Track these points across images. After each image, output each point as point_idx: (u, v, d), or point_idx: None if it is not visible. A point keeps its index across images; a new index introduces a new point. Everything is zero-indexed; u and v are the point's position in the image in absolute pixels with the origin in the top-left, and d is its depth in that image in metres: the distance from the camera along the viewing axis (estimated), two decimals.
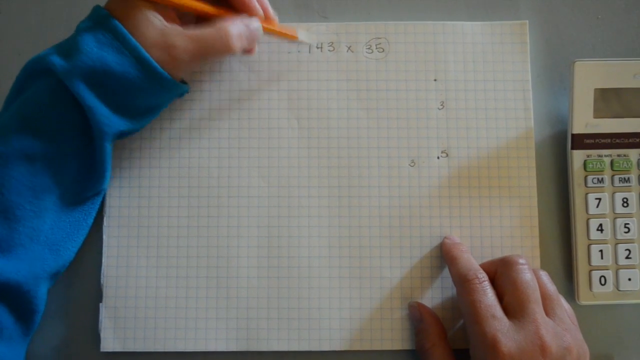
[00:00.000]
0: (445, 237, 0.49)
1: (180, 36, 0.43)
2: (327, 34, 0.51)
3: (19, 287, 0.41)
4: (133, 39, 0.42)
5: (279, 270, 0.49)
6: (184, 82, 0.48)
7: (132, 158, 0.50)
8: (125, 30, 0.42)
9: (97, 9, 0.44)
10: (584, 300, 0.48)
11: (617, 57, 0.52)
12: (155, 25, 0.43)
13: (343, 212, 0.49)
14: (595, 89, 0.48)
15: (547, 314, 0.42)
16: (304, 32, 0.50)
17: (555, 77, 0.52)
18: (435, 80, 0.51)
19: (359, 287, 0.49)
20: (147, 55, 0.42)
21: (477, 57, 0.51)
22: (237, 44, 0.45)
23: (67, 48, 0.42)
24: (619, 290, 0.48)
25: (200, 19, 0.46)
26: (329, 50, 0.51)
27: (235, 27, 0.45)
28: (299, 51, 0.51)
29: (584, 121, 0.48)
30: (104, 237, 0.49)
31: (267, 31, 0.48)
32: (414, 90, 0.51)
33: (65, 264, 0.45)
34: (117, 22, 0.42)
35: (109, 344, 0.48)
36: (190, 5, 0.44)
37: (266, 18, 0.48)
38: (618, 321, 0.49)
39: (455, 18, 0.52)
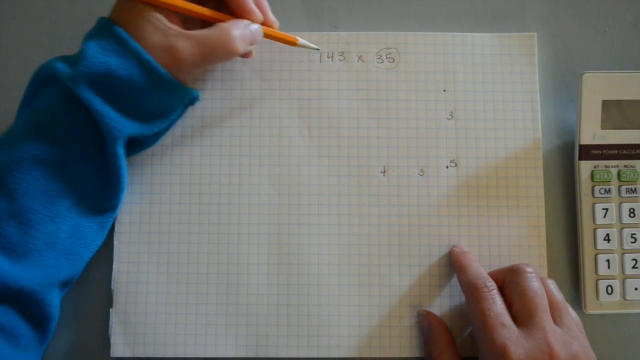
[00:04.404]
0: (453, 246, 0.49)
1: (183, 38, 0.43)
2: (338, 43, 0.52)
3: (32, 295, 0.42)
4: (134, 42, 0.42)
5: (289, 277, 0.49)
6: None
7: (143, 164, 0.51)
8: (126, 35, 0.43)
9: (100, 19, 0.44)
10: (591, 309, 0.48)
11: (624, 69, 0.52)
12: (158, 28, 0.43)
13: (352, 220, 0.50)
14: (603, 101, 0.49)
15: (555, 322, 0.42)
16: (304, 39, 0.50)
17: (562, 88, 0.52)
18: (444, 90, 0.51)
19: (368, 295, 0.49)
20: (148, 56, 0.42)
21: (486, 68, 0.52)
22: (240, 45, 0.45)
23: (72, 56, 0.43)
24: (626, 300, 0.48)
25: (203, 23, 0.47)
26: (339, 60, 0.52)
27: (238, 29, 0.45)
28: (310, 60, 0.52)
29: (591, 132, 0.49)
30: (115, 242, 0.50)
31: (268, 36, 0.48)
32: (423, 100, 0.51)
33: (78, 273, 0.46)
34: (118, 28, 0.43)
35: (119, 349, 0.48)
36: (191, 9, 0.45)
37: (266, 22, 0.48)
38: (624, 330, 0.50)
39: (465, 30, 0.53)
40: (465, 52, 0.52)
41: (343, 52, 0.52)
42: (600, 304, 0.48)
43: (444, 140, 0.51)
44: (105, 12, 0.53)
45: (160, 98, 0.45)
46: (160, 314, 0.49)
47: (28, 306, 0.42)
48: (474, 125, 0.51)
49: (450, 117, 0.51)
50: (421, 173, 0.50)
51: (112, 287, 0.49)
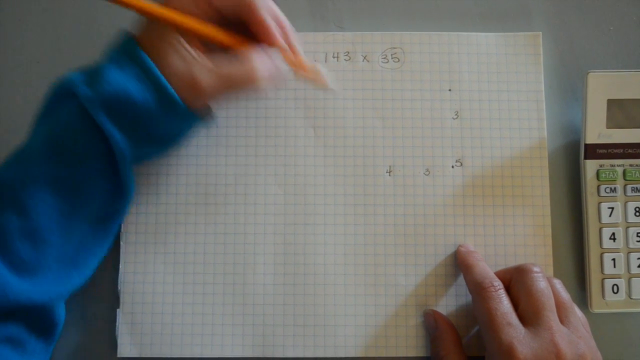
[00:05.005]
0: (459, 245, 0.49)
1: (206, 70, 0.42)
2: (343, 43, 0.52)
3: (43, 309, 0.42)
4: (156, 70, 0.41)
5: (295, 277, 0.49)
6: (210, 111, 0.47)
7: (149, 165, 0.51)
8: (149, 61, 0.41)
9: (125, 36, 0.43)
10: (597, 308, 0.48)
11: (629, 68, 0.52)
12: (180, 54, 0.42)
13: (358, 219, 0.50)
14: (608, 100, 0.49)
15: (561, 321, 0.42)
16: (333, 79, 0.48)
17: (568, 87, 0.52)
18: (449, 90, 0.51)
19: (374, 294, 0.49)
20: (167, 85, 0.41)
21: (491, 67, 0.52)
22: (264, 83, 0.43)
23: (93, 74, 0.42)
24: (631, 299, 0.48)
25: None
26: (345, 60, 0.52)
27: (262, 64, 0.43)
28: (315, 60, 0.52)
29: (596, 131, 0.49)
30: (122, 243, 0.50)
31: (293, 68, 0.46)
32: (428, 100, 0.51)
33: (87, 280, 0.46)
34: (142, 53, 0.42)
35: (125, 349, 0.48)
36: (215, 37, 0.43)
37: (292, 52, 0.45)
38: (630, 329, 0.50)
39: (470, 29, 0.53)
40: (471, 51, 0.52)
41: (348, 52, 0.52)
42: (606, 303, 0.48)
43: (449, 139, 0.51)
44: (109, 12, 0.54)
45: (174, 125, 0.44)
46: (166, 314, 0.49)
47: (38, 319, 0.43)
48: (480, 124, 0.51)
49: (456, 116, 0.51)
50: (427, 173, 0.51)
51: (119, 288, 0.49)
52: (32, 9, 0.54)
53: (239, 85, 0.43)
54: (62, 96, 0.43)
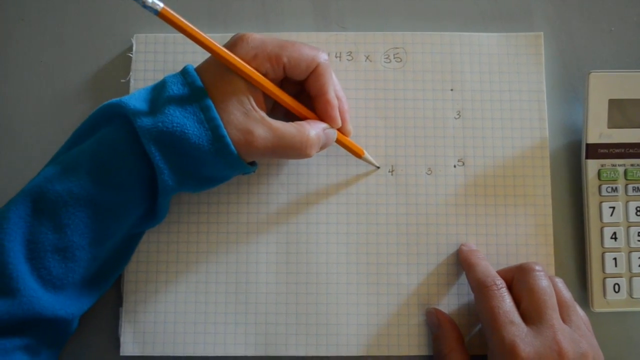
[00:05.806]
0: (461, 244, 0.49)
1: (264, 127, 0.42)
2: (345, 43, 0.52)
3: (63, 322, 0.43)
4: (218, 118, 0.41)
5: (298, 275, 0.49)
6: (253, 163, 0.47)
7: None
8: (214, 111, 0.41)
9: (192, 74, 0.43)
10: (598, 307, 0.49)
11: (630, 68, 0.53)
12: (243, 105, 0.42)
13: (361, 218, 0.50)
14: (610, 100, 0.49)
15: (563, 320, 0.42)
16: (368, 154, 0.50)
17: (569, 87, 0.53)
18: (452, 90, 0.52)
19: (376, 293, 0.49)
20: (226, 134, 0.41)
21: (493, 67, 0.52)
22: (313, 152, 0.45)
23: (153, 103, 0.42)
24: (633, 298, 0.48)
25: (278, 107, 0.47)
26: (347, 60, 0.52)
27: (316, 135, 0.44)
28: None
29: (598, 131, 0.49)
30: None
31: (338, 141, 0.48)
32: (431, 99, 0.52)
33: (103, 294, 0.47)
34: (210, 101, 0.42)
35: (128, 348, 0.49)
36: (283, 99, 0.44)
37: (342, 130, 0.48)
38: (632, 328, 0.50)
39: (472, 29, 0.53)
40: (472, 51, 0.52)
41: (351, 52, 0.52)
42: (608, 302, 0.49)
43: (451, 139, 0.51)
44: (111, 12, 0.54)
45: (219, 169, 0.43)
46: (169, 313, 0.49)
47: (56, 331, 0.43)
48: (482, 124, 0.51)
49: (458, 116, 0.51)
50: (429, 172, 0.51)
51: (122, 286, 0.49)
52: (35, 8, 0.54)
53: (290, 150, 0.44)
54: (113, 116, 0.43)
